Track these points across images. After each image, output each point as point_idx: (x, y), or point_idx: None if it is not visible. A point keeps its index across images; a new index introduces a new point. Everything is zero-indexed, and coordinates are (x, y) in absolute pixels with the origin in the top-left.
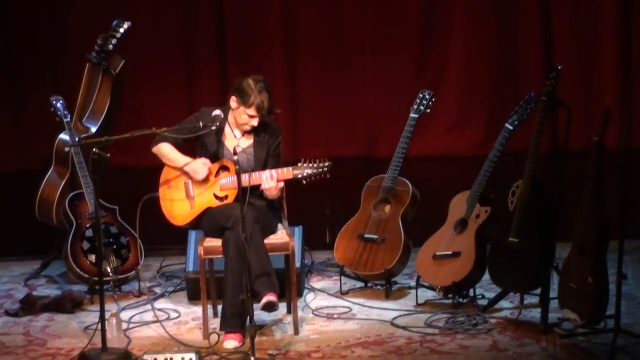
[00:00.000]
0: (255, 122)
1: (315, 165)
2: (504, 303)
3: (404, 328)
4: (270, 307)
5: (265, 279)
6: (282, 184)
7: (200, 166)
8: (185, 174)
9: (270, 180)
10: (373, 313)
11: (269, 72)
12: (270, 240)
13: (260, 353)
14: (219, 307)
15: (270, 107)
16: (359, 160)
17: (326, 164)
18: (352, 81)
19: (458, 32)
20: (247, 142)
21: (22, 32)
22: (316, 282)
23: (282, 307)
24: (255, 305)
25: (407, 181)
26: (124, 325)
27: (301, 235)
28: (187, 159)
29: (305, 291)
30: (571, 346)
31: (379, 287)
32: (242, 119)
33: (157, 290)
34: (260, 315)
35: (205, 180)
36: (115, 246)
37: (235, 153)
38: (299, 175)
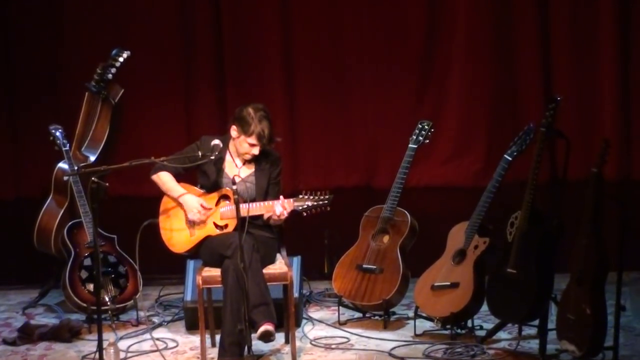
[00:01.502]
0: (256, 150)
1: (316, 197)
2: (502, 334)
3: (402, 359)
4: (266, 336)
5: (263, 309)
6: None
7: (194, 205)
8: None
9: (278, 207)
10: (371, 343)
11: (269, 102)
12: (269, 270)
13: None
14: (217, 337)
15: (270, 136)
16: (358, 190)
17: (327, 196)
18: (351, 111)
19: (457, 63)
20: (248, 171)
21: (22, 61)
22: (314, 312)
23: (280, 337)
24: (252, 335)
25: (406, 212)
26: (122, 355)
27: (300, 266)
28: (182, 190)
29: (304, 321)
30: None
31: (377, 317)
32: (243, 148)
33: (155, 319)
34: (258, 345)
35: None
36: (113, 275)
37: (234, 183)
38: (300, 208)
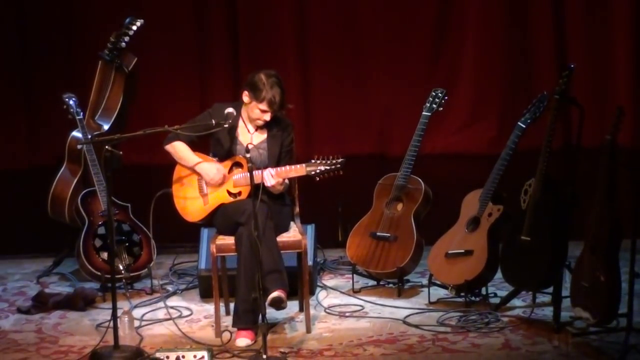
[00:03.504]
0: (267, 117)
1: (328, 162)
2: (516, 301)
3: (416, 326)
4: (277, 303)
5: (276, 276)
6: (284, 179)
7: (215, 172)
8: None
9: (271, 179)
10: (385, 311)
11: (282, 69)
12: (283, 238)
13: (272, 351)
14: (231, 305)
15: (282, 102)
16: (372, 158)
17: (339, 160)
18: (365, 79)
19: (471, 31)
20: (261, 137)
21: (35, 29)
22: (328, 280)
23: (294, 305)
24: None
25: (420, 179)
26: (136, 323)
27: (314, 233)
28: (198, 159)
29: (318, 289)
30: (583, 345)
31: (391, 285)
32: (254, 114)
33: (170, 288)
34: (272, 313)
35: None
36: (127, 244)
37: (247, 151)
38: (312, 172)
